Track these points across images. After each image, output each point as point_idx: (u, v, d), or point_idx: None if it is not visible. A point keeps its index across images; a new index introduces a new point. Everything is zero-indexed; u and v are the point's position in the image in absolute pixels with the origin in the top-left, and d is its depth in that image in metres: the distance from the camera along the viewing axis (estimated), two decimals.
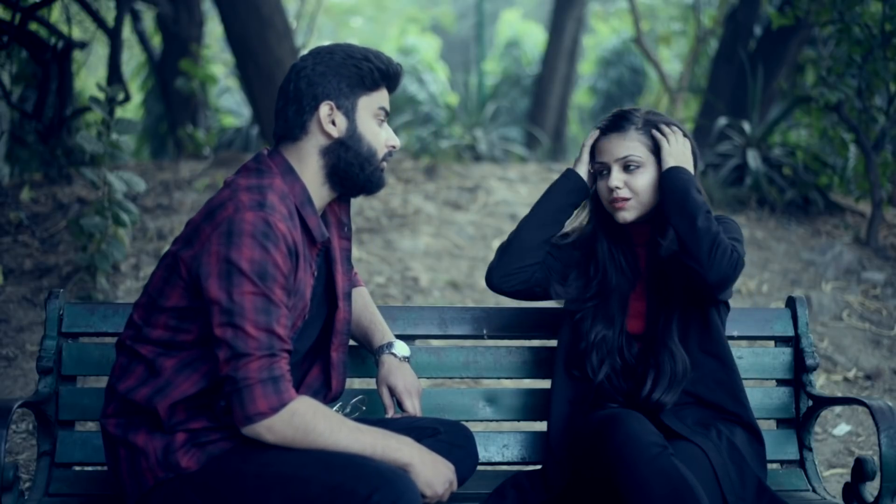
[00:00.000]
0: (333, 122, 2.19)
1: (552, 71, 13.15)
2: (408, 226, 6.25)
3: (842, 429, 4.16)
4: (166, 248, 2.75)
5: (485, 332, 2.70)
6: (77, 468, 2.55)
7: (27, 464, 3.47)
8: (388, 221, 6.31)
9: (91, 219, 4.55)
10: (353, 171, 2.21)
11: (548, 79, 13.19)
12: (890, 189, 6.60)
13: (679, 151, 2.43)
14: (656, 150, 2.45)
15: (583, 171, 2.53)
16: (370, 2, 20.32)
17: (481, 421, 2.71)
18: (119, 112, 5.88)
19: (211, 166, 7.08)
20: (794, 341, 2.75)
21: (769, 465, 2.62)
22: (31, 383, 4.03)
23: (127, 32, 9.08)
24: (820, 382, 4.49)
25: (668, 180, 2.40)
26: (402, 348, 2.49)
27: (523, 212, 6.75)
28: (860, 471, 2.44)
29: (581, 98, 17.05)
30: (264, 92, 7.20)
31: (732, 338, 2.71)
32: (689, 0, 11.99)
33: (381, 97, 2.24)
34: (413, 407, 2.42)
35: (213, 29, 11.75)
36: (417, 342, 2.72)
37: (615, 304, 2.50)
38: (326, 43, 2.31)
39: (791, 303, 2.78)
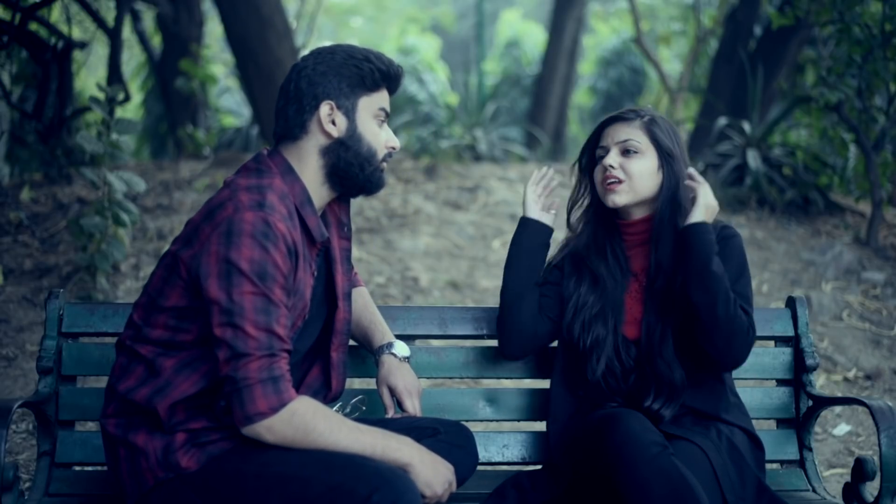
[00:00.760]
0: (333, 122, 2.19)
1: (552, 71, 13.15)
2: (408, 226, 6.25)
3: (842, 429, 4.16)
4: (166, 248, 2.75)
5: (485, 332, 2.70)
6: (77, 468, 2.55)
7: (27, 464, 3.47)
8: (388, 221, 6.31)
9: (91, 219, 4.55)
10: (352, 171, 2.22)
11: (548, 79, 13.19)
12: (890, 189, 6.60)
13: (711, 206, 2.41)
14: (657, 143, 2.46)
15: (535, 213, 2.54)
16: (370, 2, 20.32)
17: (481, 421, 2.71)
18: (119, 112, 5.88)
19: (211, 166, 7.08)
20: (794, 341, 2.75)
21: (769, 465, 2.62)
22: (31, 383, 4.03)
23: (127, 32, 9.08)
24: (820, 382, 4.49)
25: (692, 237, 2.37)
26: (402, 348, 2.49)
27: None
28: (860, 471, 2.44)
29: (581, 98, 17.05)
30: (264, 92, 7.20)
31: None
32: (689, 0, 11.99)
33: (381, 98, 2.25)
34: (413, 407, 2.42)
35: (213, 29, 11.76)
36: (417, 342, 2.72)
37: (609, 304, 2.50)
38: (326, 43, 2.31)
39: (791, 303, 2.78)
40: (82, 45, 6.87)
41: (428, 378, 2.69)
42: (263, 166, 2.19)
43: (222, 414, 2.11)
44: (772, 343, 2.79)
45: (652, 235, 2.47)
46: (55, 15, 6.65)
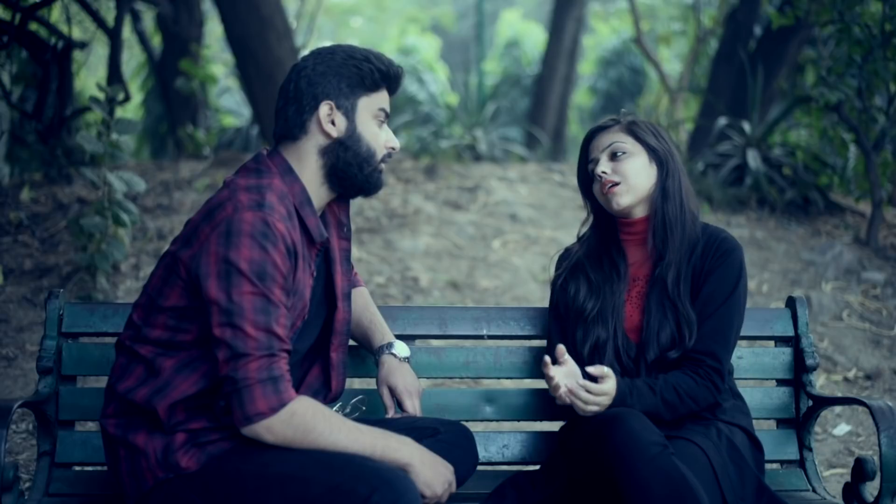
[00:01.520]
0: (333, 122, 2.19)
1: (552, 71, 13.14)
2: (408, 226, 6.25)
3: (842, 429, 4.16)
4: (166, 248, 2.75)
5: (485, 332, 2.70)
6: (77, 468, 2.55)
7: (27, 464, 3.47)
8: (388, 221, 6.31)
9: (91, 219, 4.55)
10: (351, 172, 2.22)
11: (548, 79, 13.17)
12: (890, 189, 6.59)
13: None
14: (641, 141, 2.50)
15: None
16: (370, 2, 20.32)
17: (481, 421, 2.71)
18: (119, 112, 5.87)
19: (211, 166, 7.07)
20: (794, 341, 2.75)
21: (769, 466, 2.62)
22: (31, 383, 4.03)
23: (127, 32, 9.07)
24: (820, 382, 4.49)
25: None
26: (402, 348, 2.49)
27: (523, 212, 6.77)
28: (860, 471, 2.44)
29: (581, 98, 17.05)
30: (264, 92, 7.20)
31: None
32: (689, 0, 11.99)
33: (381, 98, 2.25)
34: (413, 407, 2.42)
35: (213, 29, 11.75)
36: (417, 342, 2.72)
37: (609, 307, 2.50)
38: (326, 43, 2.31)
39: (791, 303, 2.78)
40: (82, 45, 6.87)
41: (428, 378, 2.69)
42: (263, 166, 2.19)
43: (222, 414, 2.11)
44: (772, 343, 2.79)
45: (653, 232, 2.48)
46: (55, 15, 6.64)
